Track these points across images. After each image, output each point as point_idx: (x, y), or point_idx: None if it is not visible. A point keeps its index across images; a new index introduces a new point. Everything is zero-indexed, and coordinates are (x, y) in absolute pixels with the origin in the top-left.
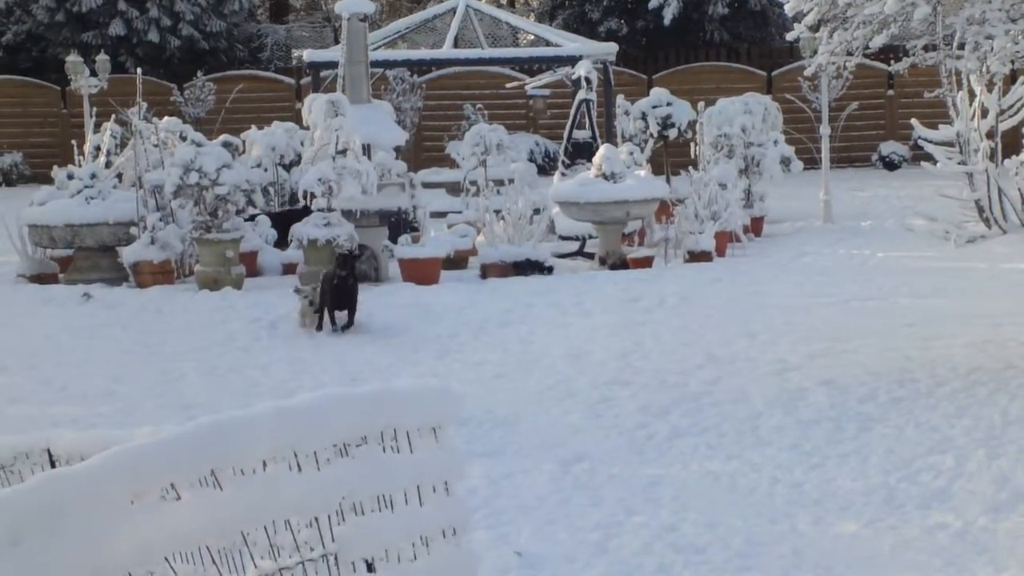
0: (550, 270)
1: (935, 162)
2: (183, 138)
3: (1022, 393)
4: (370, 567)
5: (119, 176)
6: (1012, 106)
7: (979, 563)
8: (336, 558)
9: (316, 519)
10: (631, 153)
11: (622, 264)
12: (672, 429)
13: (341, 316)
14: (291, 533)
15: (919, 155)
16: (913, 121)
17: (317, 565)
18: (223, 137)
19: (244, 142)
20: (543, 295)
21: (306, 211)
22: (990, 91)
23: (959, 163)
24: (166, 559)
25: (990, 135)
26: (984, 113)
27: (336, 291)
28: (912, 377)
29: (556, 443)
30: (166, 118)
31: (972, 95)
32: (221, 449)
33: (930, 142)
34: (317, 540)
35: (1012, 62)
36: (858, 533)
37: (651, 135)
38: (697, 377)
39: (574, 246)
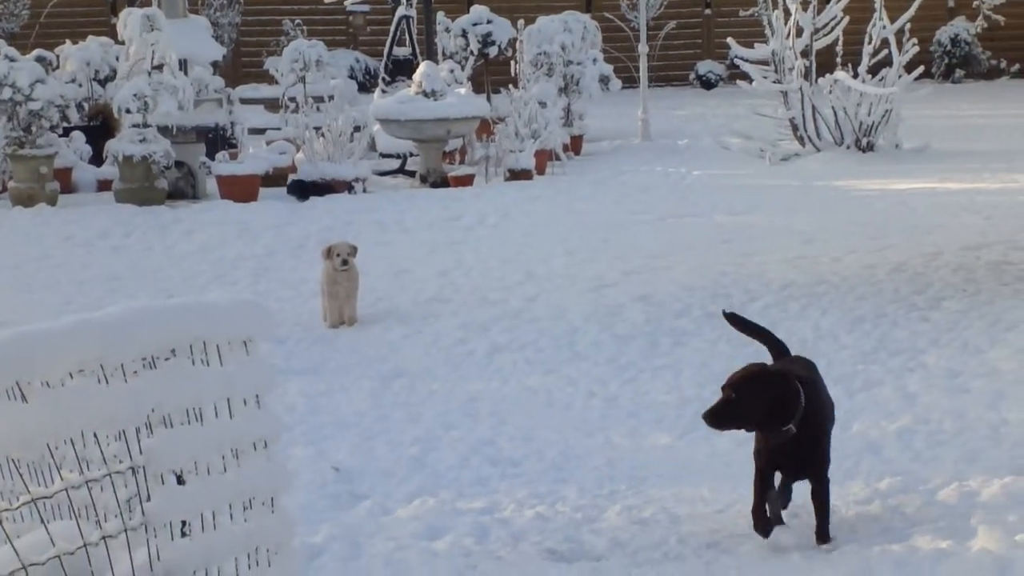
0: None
1: (751, 81)
2: None
3: (833, 308)
4: (179, 479)
5: None
6: (826, 25)
7: None
8: (145, 470)
9: (124, 432)
10: (451, 71)
11: (443, 182)
12: (491, 345)
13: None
14: (99, 446)
15: (735, 74)
16: (729, 40)
17: (125, 477)
18: (37, 52)
19: (58, 57)
20: (364, 213)
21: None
22: (805, 10)
23: (774, 81)
24: None
25: (805, 54)
26: (799, 32)
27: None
28: (726, 292)
29: (376, 360)
30: None
31: (787, 14)
32: (26, 361)
33: (746, 61)
34: (125, 453)
35: None
36: (672, 445)
37: (471, 53)
38: (516, 294)
39: (395, 164)
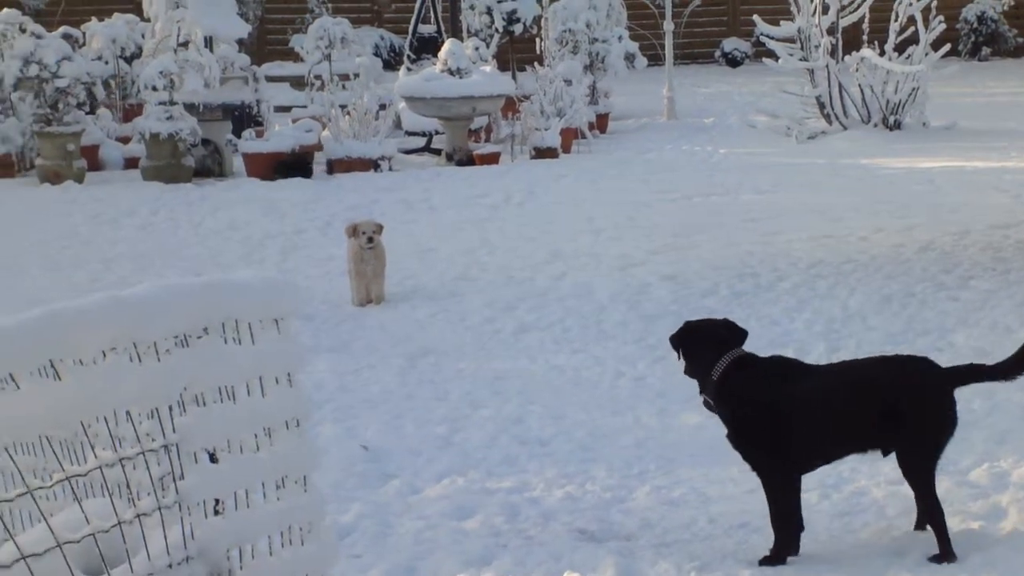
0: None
1: (777, 58)
2: (23, 30)
3: (861, 287)
4: (212, 457)
5: None
6: (852, 2)
7: None
8: (178, 448)
9: (157, 410)
10: (476, 48)
11: (468, 160)
12: (518, 324)
13: None
14: (132, 424)
15: (761, 51)
16: (755, 17)
17: (159, 455)
18: (63, 29)
19: (84, 34)
20: (390, 191)
21: None
22: None
23: (800, 59)
24: (5, 449)
25: (831, 31)
26: (825, 9)
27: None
28: (753, 272)
29: (403, 338)
30: (5, 10)
31: None
32: (59, 339)
33: (772, 38)
34: (158, 431)
35: None
36: (701, 425)
37: (496, 30)
38: (543, 273)
39: (420, 142)
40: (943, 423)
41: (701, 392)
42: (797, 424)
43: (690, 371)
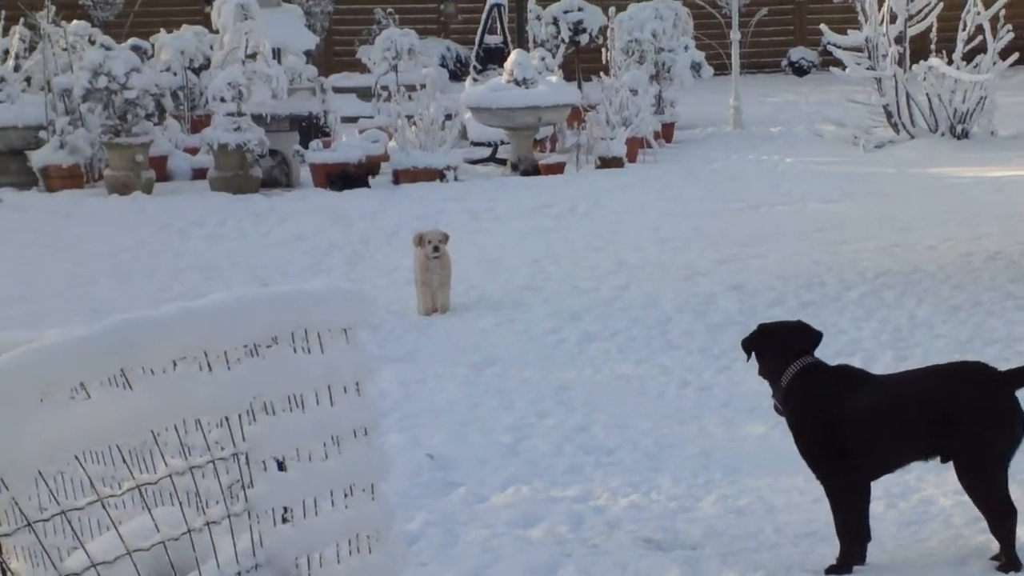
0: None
1: (844, 67)
2: (92, 41)
3: (929, 296)
4: (281, 466)
5: (28, 80)
6: (920, 11)
7: None
8: (247, 457)
9: (227, 419)
10: (543, 59)
11: (534, 170)
12: (583, 334)
13: None
14: (202, 433)
15: (828, 60)
16: (822, 26)
17: (228, 464)
18: (132, 41)
19: (153, 46)
20: (455, 201)
21: None
22: None
23: (868, 68)
24: (76, 458)
25: (898, 40)
26: (893, 18)
27: None
28: (820, 281)
29: (468, 348)
30: (75, 21)
31: (880, 0)
32: (130, 348)
33: (839, 47)
34: (228, 440)
35: None
36: (766, 434)
37: (562, 40)
38: (608, 282)
39: (486, 152)
40: (1002, 428)
41: (773, 396)
42: (859, 434)
43: (763, 373)
